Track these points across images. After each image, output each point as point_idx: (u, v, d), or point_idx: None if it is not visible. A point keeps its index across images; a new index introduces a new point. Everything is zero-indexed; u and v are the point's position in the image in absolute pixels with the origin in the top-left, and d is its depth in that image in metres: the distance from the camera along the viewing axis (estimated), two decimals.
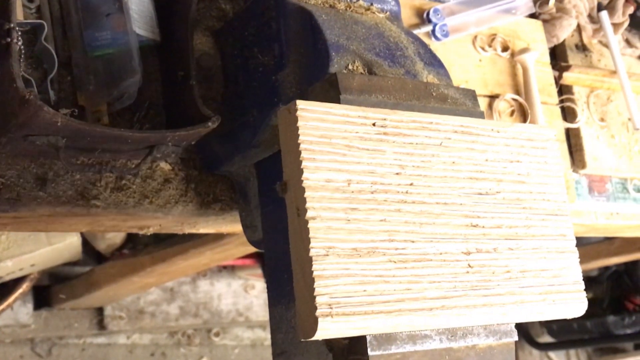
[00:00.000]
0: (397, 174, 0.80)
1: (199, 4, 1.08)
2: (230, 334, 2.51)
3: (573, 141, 1.48)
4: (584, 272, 0.93)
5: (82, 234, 1.92)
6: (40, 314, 2.18)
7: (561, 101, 1.48)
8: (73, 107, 0.97)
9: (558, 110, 1.45)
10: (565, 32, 1.49)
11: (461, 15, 1.35)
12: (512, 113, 1.37)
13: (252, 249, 1.52)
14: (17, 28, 0.85)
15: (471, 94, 0.93)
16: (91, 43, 0.97)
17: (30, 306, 2.16)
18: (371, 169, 0.79)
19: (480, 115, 0.92)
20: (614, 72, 1.53)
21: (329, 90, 0.84)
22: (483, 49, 1.37)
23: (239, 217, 1.08)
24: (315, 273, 0.72)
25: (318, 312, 0.71)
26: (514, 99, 1.37)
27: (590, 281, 2.79)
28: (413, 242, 0.79)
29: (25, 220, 0.99)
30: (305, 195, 0.74)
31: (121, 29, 0.98)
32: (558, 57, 1.54)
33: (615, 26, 1.56)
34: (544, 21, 1.48)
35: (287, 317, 0.91)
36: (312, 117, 0.76)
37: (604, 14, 1.54)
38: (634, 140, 1.55)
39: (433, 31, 1.32)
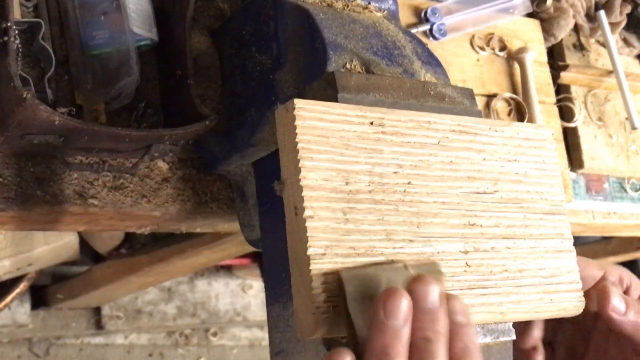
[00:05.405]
0: (395, 173, 0.80)
1: (196, 3, 1.08)
2: (228, 334, 2.51)
3: (571, 140, 1.48)
4: None
5: (79, 234, 1.92)
6: (38, 314, 2.18)
7: (559, 100, 1.48)
8: (71, 106, 0.97)
9: (556, 110, 1.44)
10: (562, 31, 1.49)
11: (459, 14, 1.35)
12: (509, 112, 1.37)
13: (249, 249, 1.52)
14: (14, 27, 0.85)
15: (469, 93, 0.93)
16: (89, 42, 0.97)
17: (27, 306, 2.15)
18: (369, 168, 0.79)
19: (478, 114, 0.92)
20: (611, 72, 1.53)
21: (327, 89, 0.84)
22: (481, 48, 1.37)
23: (237, 216, 1.07)
24: (313, 272, 0.72)
25: (316, 312, 0.71)
26: (512, 98, 1.37)
27: None
28: (411, 241, 0.79)
29: (22, 220, 0.98)
30: (303, 194, 0.74)
31: (119, 28, 0.98)
32: (556, 56, 1.53)
33: (613, 25, 1.56)
34: (542, 20, 1.48)
35: (285, 316, 0.91)
36: (310, 115, 0.76)
37: (602, 13, 1.54)
38: (631, 140, 1.55)
39: (431, 30, 1.32)
